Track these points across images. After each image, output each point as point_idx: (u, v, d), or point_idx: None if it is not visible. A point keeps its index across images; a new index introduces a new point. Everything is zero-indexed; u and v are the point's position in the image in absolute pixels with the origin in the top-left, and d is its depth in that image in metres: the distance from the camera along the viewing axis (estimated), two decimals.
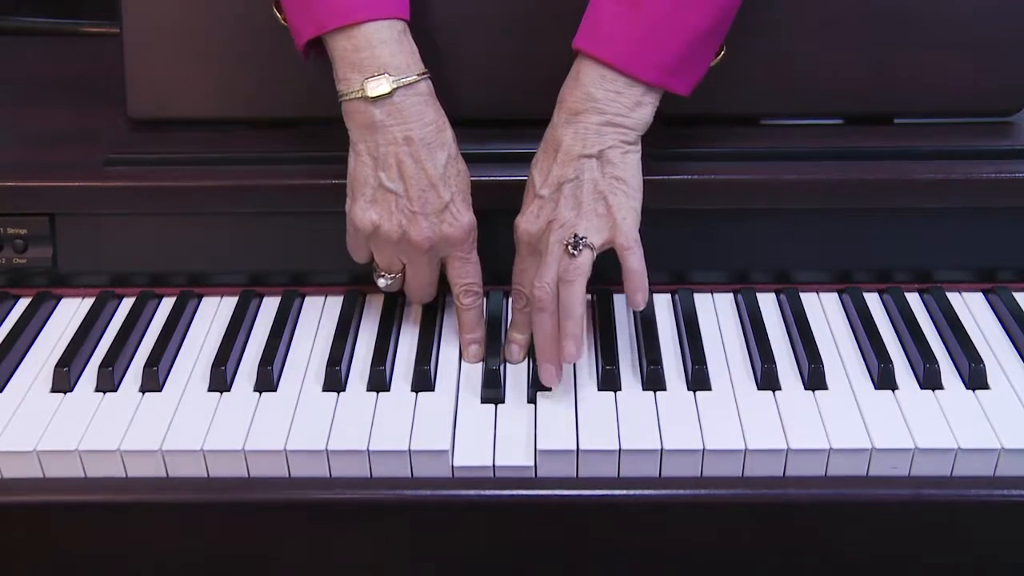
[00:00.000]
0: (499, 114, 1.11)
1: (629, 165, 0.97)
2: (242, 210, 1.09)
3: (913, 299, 1.11)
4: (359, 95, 0.95)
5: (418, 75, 0.96)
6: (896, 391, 0.99)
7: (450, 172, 0.98)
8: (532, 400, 0.99)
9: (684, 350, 1.04)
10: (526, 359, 1.04)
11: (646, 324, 1.06)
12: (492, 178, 1.04)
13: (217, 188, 1.08)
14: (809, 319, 1.07)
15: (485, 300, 1.07)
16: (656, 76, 0.96)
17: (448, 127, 0.98)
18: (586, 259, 0.96)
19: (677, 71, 0.97)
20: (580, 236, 0.96)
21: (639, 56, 0.95)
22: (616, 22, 0.95)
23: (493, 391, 1.00)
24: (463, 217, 0.99)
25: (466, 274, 1.02)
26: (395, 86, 0.95)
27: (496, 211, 1.02)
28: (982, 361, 1.00)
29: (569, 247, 0.96)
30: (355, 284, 1.12)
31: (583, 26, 0.97)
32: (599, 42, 0.95)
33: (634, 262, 0.97)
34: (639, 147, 0.98)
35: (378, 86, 0.95)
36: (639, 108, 0.97)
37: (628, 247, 0.97)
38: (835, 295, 1.12)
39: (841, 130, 1.13)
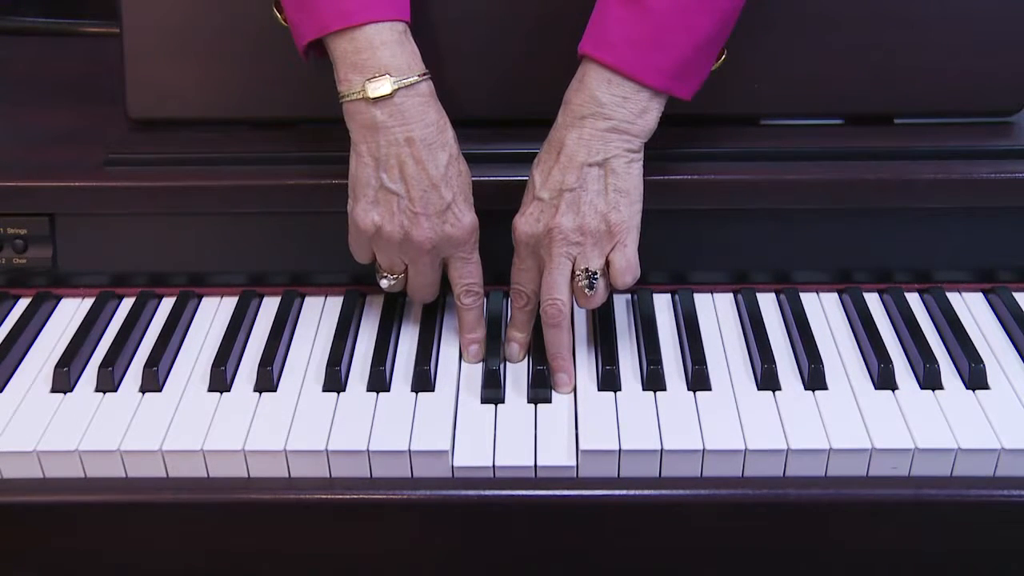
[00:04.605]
0: (499, 114, 1.11)
1: (632, 176, 0.97)
2: (242, 210, 1.09)
3: (913, 299, 1.11)
4: (360, 96, 0.95)
5: (419, 76, 0.96)
6: (896, 391, 0.99)
7: (451, 172, 0.98)
8: (532, 400, 0.99)
9: (684, 350, 1.04)
10: (526, 359, 1.04)
11: (646, 324, 1.06)
12: (492, 178, 1.04)
13: (217, 188, 1.08)
14: (809, 319, 1.07)
15: (485, 300, 1.07)
16: (662, 81, 0.96)
17: (449, 127, 0.98)
18: (602, 288, 0.99)
19: (682, 76, 0.97)
20: (592, 271, 0.97)
21: (646, 61, 0.95)
22: (623, 27, 0.95)
23: (493, 391, 1.00)
24: (465, 217, 0.99)
25: (467, 274, 1.02)
26: (396, 87, 0.95)
27: (496, 211, 1.02)
28: (982, 361, 1.00)
29: (586, 290, 0.98)
30: (355, 284, 1.12)
31: (589, 31, 0.97)
32: (605, 47, 0.95)
33: (627, 281, 0.99)
34: (642, 156, 0.98)
35: (379, 87, 0.95)
36: (645, 115, 0.97)
37: (623, 271, 0.98)
38: (835, 295, 1.12)
39: (841, 130, 1.13)
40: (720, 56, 1.01)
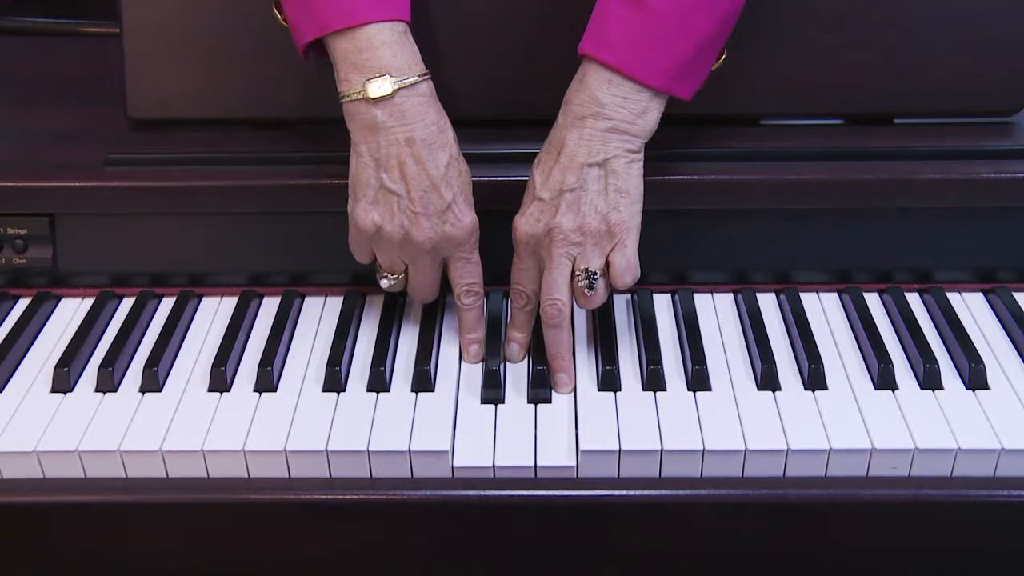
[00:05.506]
0: (499, 114, 1.11)
1: (632, 176, 0.97)
2: (242, 210, 1.09)
3: (913, 299, 1.11)
4: (360, 96, 0.95)
5: (419, 76, 0.96)
6: (896, 391, 0.99)
7: (452, 173, 0.98)
8: (532, 401, 0.99)
9: (684, 350, 1.04)
10: (526, 359, 1.04)
11: (646, 324, 1.06)
12: (492, 178, 1.04)
13: (217, 188, 1.08)
14: (809, 319, 1.07)
15: (485, 300, 1.06)
16: (663, 81, 0.96)
17: (449, 127, 0.99)
18: (602, 288, 0.99)
19: (683, 76, 0.97)
20: (592, 272, 0.97)
21: (646, 61, 0.95)
22: (623, 27, 0.95)
23: (493, 391, 1.00)
24: (465, 217, 0.99)
25: (468, 274, 1.02)
26: (396, 87, 0.95)
27: (496, 211, 1.02)
28: (982, 361, 1.00)
29: (586, 290, 0.98)
30: (355, 284, 1.12)
31: (589, 31, 0.97)
32: (606, 47, 0.95)
33: (627, 281, 0.99)
34: (642, 156, 0.98)
35: (379, 87, 0.95)
36: (645, 115, 0.97)
37: (623, 271, 0.98)
38: (835, 295, 1.12)
39: (841, 130, 1.13)
40: (720, 56, 1.02)
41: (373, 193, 0.97)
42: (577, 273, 0.98)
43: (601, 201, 0.97)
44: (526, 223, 0.98)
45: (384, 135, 0.96)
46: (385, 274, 1.03)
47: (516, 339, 1.04)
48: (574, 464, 0.94)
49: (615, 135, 0.96)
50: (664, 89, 0.96)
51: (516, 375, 1.02)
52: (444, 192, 0.97)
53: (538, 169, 0.99)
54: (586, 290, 0.98)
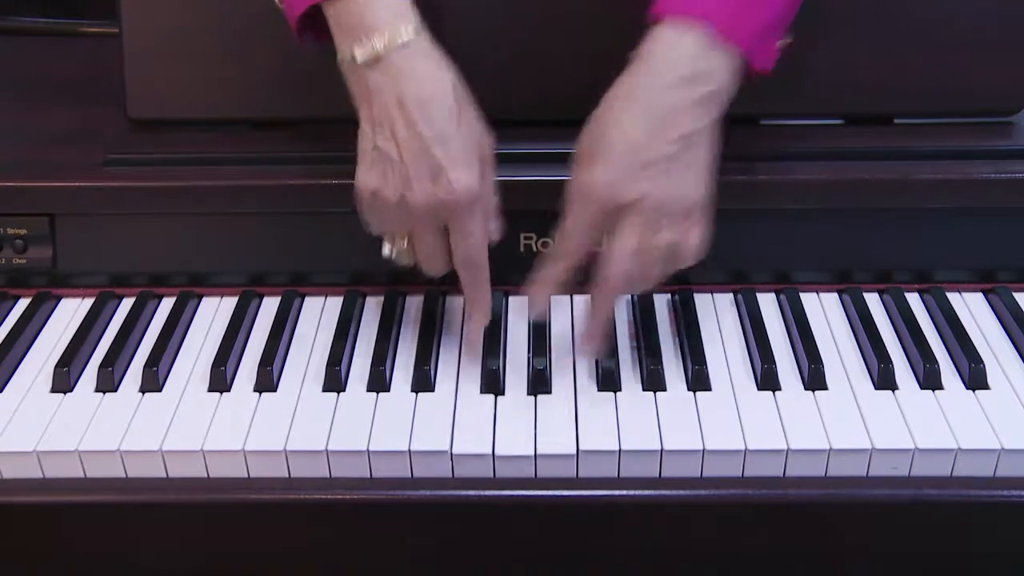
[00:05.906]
0: (509, 115, 1.10)
1: (711, 149, 0.93)
2: (242, 210, 1.09)
3: (913, 299, 1.11)
4: (352, 60, 0.93)
5: (411, 33, 0.92)
6: (896, 391, 0.99)
7: (449, 133, 0.92)
8: (532, 400, 0.99)
9: (684, 350, 1.04)
10: (526, 358, 1.04)
11: (646, 324, 1.06)
12: (497, 178, 1.04)
13: (217, 188, 1.08)
14: (809, 319, 1.07)
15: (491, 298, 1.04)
16: (749, 43, 0.92)
17: (448, 84, 0.93)
18: (670, 267, 0.95)
19: (761, 41, 0.93)
20: (662, 248, 0.93)
21: (735, 22, 0.91)
22: None
23: (493, 391, 1.00)
24: (459, 182, 0.92)
25: (466, 244, 0.96)
26: (384, 47, 0.91)
27: (503, 212, 1.01)
28: (982, 361, 1.00)
29: (653, 267, 0.94)
30: (355, 284, 1.12)
31: None
32: (699, 4, 0.91)
33: (693, 261, 0.96)
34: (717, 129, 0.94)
35: (366, 50, 0.91)
36: (731, 80, 0.93)
37: (697, 252, 0.96)
38: (835, 295, 1.12)
39: (841, 130, 1.13)
40: (786, 36, 0.99)
41: (370, 157, 0.94)
42: (648, 249, 0.93)
43: (691, 176, 0.92)
44: (611, 184, 0.91)
45: (377, 97, 0.92)
46: (386, 241, 0.99)
47: (539, 299, 0.98)
48: (574, 464, 0.94)
49: (707, 103, 0.92)
50: (749, 52, 0.92)
51: (516, 375, 1.02)
52: (437, 154, 0.92)
53: (618, 128, 0.91)
54: (654, 267, 0.94)
